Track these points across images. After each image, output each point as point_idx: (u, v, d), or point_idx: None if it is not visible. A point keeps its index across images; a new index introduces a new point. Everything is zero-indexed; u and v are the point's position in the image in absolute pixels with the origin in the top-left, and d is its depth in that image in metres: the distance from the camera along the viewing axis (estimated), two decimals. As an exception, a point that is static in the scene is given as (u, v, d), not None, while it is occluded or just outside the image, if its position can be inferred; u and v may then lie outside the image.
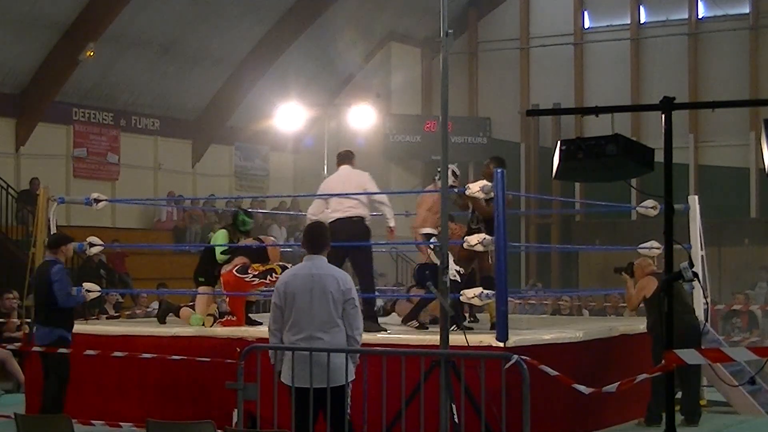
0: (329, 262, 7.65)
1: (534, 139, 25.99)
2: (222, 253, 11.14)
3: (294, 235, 24.29)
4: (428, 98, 27.21)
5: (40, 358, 10.10)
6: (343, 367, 7.20)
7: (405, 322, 10.76)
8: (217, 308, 11.30)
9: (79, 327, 10.79)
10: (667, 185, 6.24)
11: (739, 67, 24.27)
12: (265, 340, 9.58)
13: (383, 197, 10.72)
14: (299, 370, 7.23)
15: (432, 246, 10.37)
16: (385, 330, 10.09)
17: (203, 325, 10.89)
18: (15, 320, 14.94)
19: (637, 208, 12.99)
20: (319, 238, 7.58)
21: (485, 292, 9.85)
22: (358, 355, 7.46)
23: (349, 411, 7.39)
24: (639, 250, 12.84)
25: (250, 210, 13.02)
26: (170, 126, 23.80)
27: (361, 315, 7.54)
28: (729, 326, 16.89)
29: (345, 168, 10.78)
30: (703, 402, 12.17)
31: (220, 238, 11.33)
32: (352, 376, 7.37)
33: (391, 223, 10.70)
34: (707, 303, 11.95)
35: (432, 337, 8.90)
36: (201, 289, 11.26)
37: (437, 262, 9.47)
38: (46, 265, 10.15)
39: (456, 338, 8.19)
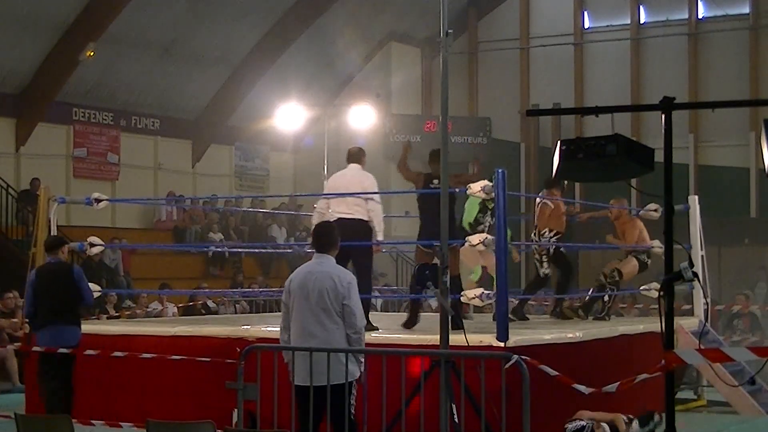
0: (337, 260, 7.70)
1: (534, 139, 25.99)
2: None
3: (294, 234, 24.31)
4: (428, 98, 27.22)
5: (52, 358, 10.05)
6: (337, 366, 7.19)
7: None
8: None
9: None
10: (667, 185, 6.23)
11: (739, 67, 24.27)
12: (265, 340, 9.66)
13: (378, 210, 10.58)
14: (297, 368, 7.33)
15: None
16: (377, 329, 10.10)
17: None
18: (15, 320, 14.94)
19: (641, 212, 13.03)
20: (323, 237, 7.70)
21: (485, 292, 9.88)
22: (362, 356, 7.48)
23: (353, 411, 7.40)
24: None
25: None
26: (170, 126, 23.79)
27: (361, 314, 7.54)
28: (730, 330, 16.87)
29: (354, 167, 10.74)
30: (702, 402, 12.19)
31: (473, 207, 11.62)
32: (354, 376, 7.37)
33: (380, 237, 10.68)
34: (707, 303, 11.97)
35: (432, 337, 8.90)
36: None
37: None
38: (61, 266, 10.27)
39: (456, 338, 8.18)
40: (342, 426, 7.26)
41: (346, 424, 7.26)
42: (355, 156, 10.79)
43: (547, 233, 12.01)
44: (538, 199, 12.45)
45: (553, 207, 12.00)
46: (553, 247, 11.99)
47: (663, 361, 6.38)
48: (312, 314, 7.36)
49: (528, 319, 12.20)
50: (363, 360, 7.46)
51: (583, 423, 9.13)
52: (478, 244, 9.88)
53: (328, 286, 7.35)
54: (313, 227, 8.20)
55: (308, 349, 7.31)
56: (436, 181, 10.45)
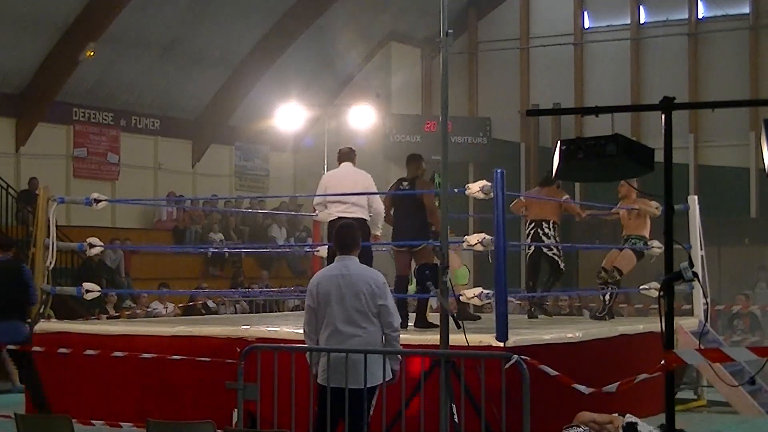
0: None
1: (534, 139, 25.97)
2: None
3: (294, 234, 24.31)
4: (428, 98, 27.20)
5: (21, 354, 10.40)
6: (371, 368, 7.17)
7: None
8: None
9: (79, 327, 10.82)
10: (667, 185, 6.23)
11: (739, 67, 24.26)
12: (265, 340, 9.66)
13: (380, 206, 10.77)
14: (331, 370, 7.27)
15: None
16: None
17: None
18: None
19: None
20: (346, 238, 7.68)
21: (485, 291, 9.87)
22: (399, 356, 7.49)
23: (371, 412, 7.39)
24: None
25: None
26: (170, 126, 23.78)
27: (397, 313, 7.56)
28: (730, 330, 16.87)
29: (348, 166, 10.85)
30: (702, 402, 12.18)
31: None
32: (388, 376, 7.38)
33: (378, 232, 10.87)
34: (707, 303, 11.96)
35: (432, 337, 8.91)
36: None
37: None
38: (13, 264, 10.82)
39: (456, 338, 8.18)
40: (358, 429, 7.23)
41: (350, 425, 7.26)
42: (349, 155, 10.94)
43: (550, 225, 12.08)
44: (524, 198, 12.52)
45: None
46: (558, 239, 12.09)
47: (663, 361, 6.38)
48: (347, 316, 7.34)
49: (551, 315, 12.26)
50: (401, 358, 7.47)
51: (580, 430, 9.11)
52: (476, 244, 9.88)
53: (365, 290, 7.34)
54: (336, 228, 8.11)
55: (309, 349, 7.34)
56: (405, 183, 10.68)
